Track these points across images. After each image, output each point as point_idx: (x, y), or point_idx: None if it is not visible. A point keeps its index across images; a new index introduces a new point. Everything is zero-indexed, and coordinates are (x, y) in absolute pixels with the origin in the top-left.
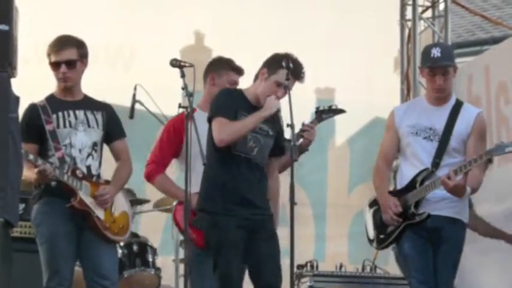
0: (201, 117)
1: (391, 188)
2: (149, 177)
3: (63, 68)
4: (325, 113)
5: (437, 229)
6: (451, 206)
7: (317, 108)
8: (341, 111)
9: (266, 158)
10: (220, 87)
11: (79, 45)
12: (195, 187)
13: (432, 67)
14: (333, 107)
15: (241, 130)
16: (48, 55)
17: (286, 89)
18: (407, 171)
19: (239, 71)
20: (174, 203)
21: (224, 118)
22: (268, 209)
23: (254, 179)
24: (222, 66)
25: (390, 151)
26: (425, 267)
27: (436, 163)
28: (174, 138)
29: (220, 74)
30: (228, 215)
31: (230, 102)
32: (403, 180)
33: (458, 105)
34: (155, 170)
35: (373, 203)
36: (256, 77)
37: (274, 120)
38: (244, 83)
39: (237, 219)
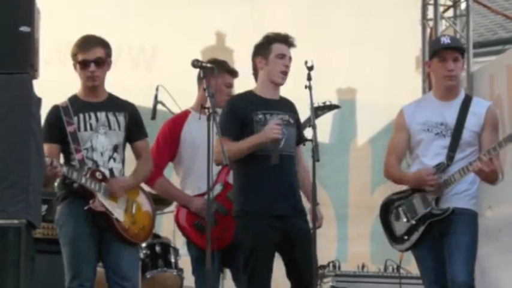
0: (194, 118)
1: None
2: (148, 181)
3: (92, 66)
4: (320, 109)
5: (452, 220)
6: (470, 198)
7: (311, 105)
8: (336, 106)
9: (293, 147)
10: (215, 89)
11: (105, 45)
12: (191, 190)
13: (444, 49)
14: (327, 103)
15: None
16: (75, 55)
17: (290, 58)
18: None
19: (233, 73)
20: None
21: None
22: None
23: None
24: (217, 69)
25: (401, 150)
26: (437, 266)
27: (450, 157)
28: (170, 141)
29: (214, 77)
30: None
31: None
32: None
33: (468, 99)
34: (154, 174)
35: (385, 206)
36: (256, 73)
37: (291, 109)
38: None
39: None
